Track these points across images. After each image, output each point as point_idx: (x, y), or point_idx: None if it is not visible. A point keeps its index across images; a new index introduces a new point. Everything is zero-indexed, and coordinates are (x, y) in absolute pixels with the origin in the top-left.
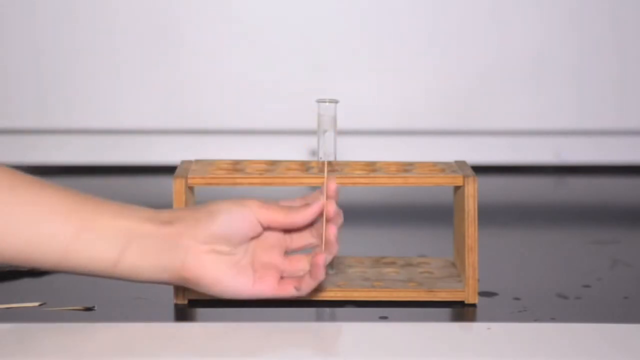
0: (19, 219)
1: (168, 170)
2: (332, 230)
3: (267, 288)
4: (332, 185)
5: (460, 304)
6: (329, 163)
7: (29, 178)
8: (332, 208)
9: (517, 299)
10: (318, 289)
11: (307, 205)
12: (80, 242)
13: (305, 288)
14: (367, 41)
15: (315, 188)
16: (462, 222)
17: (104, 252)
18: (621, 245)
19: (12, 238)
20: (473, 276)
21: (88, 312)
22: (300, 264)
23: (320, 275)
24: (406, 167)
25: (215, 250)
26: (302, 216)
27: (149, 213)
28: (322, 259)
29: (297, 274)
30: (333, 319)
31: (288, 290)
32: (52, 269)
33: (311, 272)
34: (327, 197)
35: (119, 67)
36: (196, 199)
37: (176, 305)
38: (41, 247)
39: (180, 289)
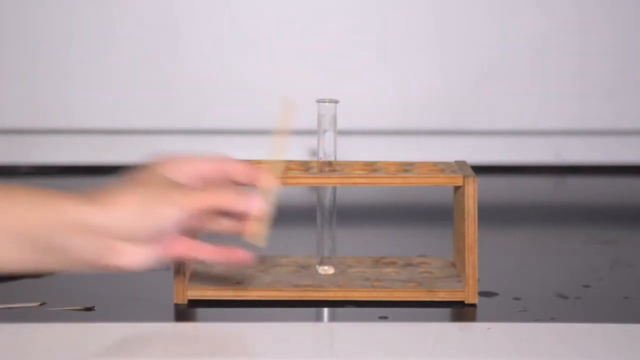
0: None
1: None
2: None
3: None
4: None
5: (460, 304)
6: (329, 163)
7: None
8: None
9: (517, 299)
10: (318, 289)
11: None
12: None
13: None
14: (367, 41)
15: (314, 188)
16: (462, 222)
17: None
18: (621, 245)
19: None
20: (473, 276)
21: (88, 312)
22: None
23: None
24: (406, 167)
25: None
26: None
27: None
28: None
29: None
30: (333, 319)
31: None
32: None
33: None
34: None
35: (119, 66)
36: None
37: (176, 305)
38: None
39: (180, 288)
